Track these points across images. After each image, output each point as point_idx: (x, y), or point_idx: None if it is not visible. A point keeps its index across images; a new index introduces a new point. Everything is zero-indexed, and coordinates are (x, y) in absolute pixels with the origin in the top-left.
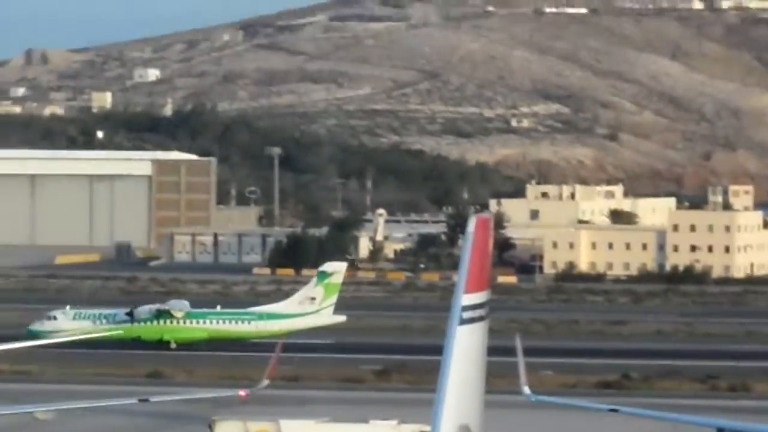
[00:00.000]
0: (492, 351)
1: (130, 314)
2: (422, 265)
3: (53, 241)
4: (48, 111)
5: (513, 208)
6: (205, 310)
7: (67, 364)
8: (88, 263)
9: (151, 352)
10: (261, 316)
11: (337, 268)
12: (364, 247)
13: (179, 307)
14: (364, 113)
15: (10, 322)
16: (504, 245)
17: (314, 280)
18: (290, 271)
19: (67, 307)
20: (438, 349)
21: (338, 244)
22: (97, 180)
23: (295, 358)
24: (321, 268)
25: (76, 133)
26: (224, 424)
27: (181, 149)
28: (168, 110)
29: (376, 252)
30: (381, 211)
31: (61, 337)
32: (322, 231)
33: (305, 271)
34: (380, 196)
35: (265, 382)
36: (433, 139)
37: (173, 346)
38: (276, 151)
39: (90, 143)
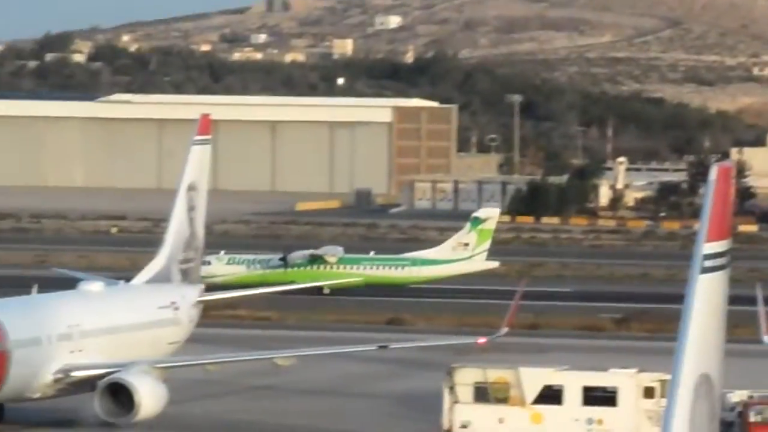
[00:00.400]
0: (732, 300)
1: (283, 260)
2: (663, 214)
3: (293, 188)
4: (289, 58)
5: (754, 157)
6: (359, 255)
7: (306, 310)
8: (328, 210)
9: (391, 299)
10: (414, 262)
11: (491, 214)
12: (605, 195)
13: (333, 252)
14: (606, 61)
15: None
16: (745, 194)
17: (467, 225)
18: (530, 219)
19: (222, 252)
20: (678, 298)
21: (578, 192)
22: (337, 127)
23: (535, 306)
24: (475, 214)
25: (317, 79)
26: (463, 371)
27: (421, 96)
28: (409, 57)
29: (616, 200)
30: (621, 159)
31: (214, 281)
32: (562, 179)
33: (545, 219)
34: (621, 143)
35: (504, 329)
36: (674, 87)
37: (326, 291)
38: (516, 98)
39: (330, 90)
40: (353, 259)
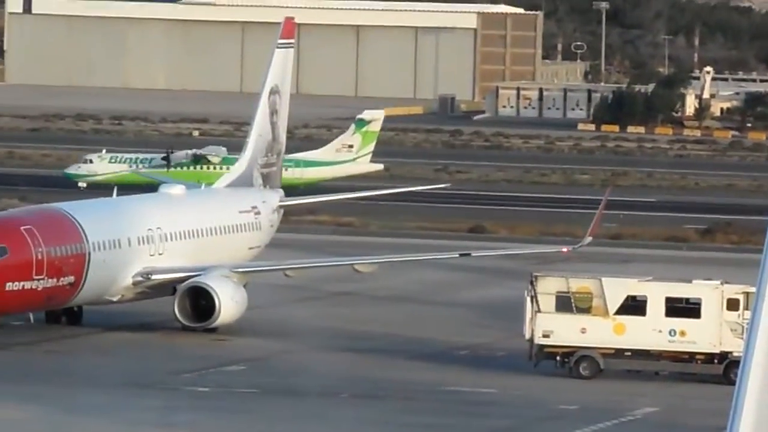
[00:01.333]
0: None
1: (166, 159)
2: (749, 124)
3: (376, 93)
4: None
5: None
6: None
7: (389, 216)
8: (412, 116)
9: (473, 207)
10: (298, 164)
11: (376, 116)
12: (691, 105)
13: (216, 152)
14: None
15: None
16: None
17: (352, 127)
18: (615, 127)
19: (104, 150)
20: (764, 209)
21: (664, 101)
22: (422, 32)
23: (620, 216)
24: (359, 116)
25: None
26: (545, 280)
27: (507, 2)
28: None
29: (702, 110)
30: (708, 68)
31: (96, 180)
32: (648, 87)
33: (630, 128)
34: (707, 53)
35: (588, 239)
36: None
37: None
38: (604, 5)
39: None
40: (237, 159)
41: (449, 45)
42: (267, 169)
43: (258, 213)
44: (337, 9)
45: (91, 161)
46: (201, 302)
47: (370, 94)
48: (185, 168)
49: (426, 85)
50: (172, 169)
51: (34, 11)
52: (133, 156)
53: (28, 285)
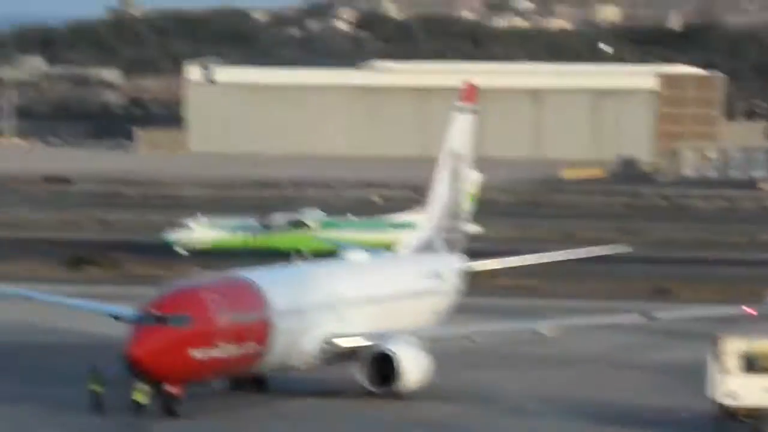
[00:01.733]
0: None
1: (264, 224)
2: None
3: (557, 155)
4: (554, 24)
5: None
6: (340, 219)
7: (571, 279)
8: (593, 178)
9: (654, 267)
10: (394, 226)
11: (474, 179)
12: None
13: (313, 216)
14: None
15: (507, 236)
16: None
17: None
18: None
19: (199, 215)
20: None
21: None
22: (601, 94)
23: None
24: None
25: (582, 46)
26: (730, 341)
27: (687, 63)
28: (675, 23)
29: None
30: None
31: (196, 245)
32: None
33: None
34: None
35: None
36: None
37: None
38: None
39: (595, 57)
40: (334, 222)
41: (629, 106)
42: (450, 234)
43: (441, 278)
44: (515, 72)
45: (190, 227)
46: (385, 367)
47: (550, 156)
48: (284, 232)
49: (606, 147)
50: (271, 234)
51: (215, 80)
52: (231, 222)
53: (212, 353)
